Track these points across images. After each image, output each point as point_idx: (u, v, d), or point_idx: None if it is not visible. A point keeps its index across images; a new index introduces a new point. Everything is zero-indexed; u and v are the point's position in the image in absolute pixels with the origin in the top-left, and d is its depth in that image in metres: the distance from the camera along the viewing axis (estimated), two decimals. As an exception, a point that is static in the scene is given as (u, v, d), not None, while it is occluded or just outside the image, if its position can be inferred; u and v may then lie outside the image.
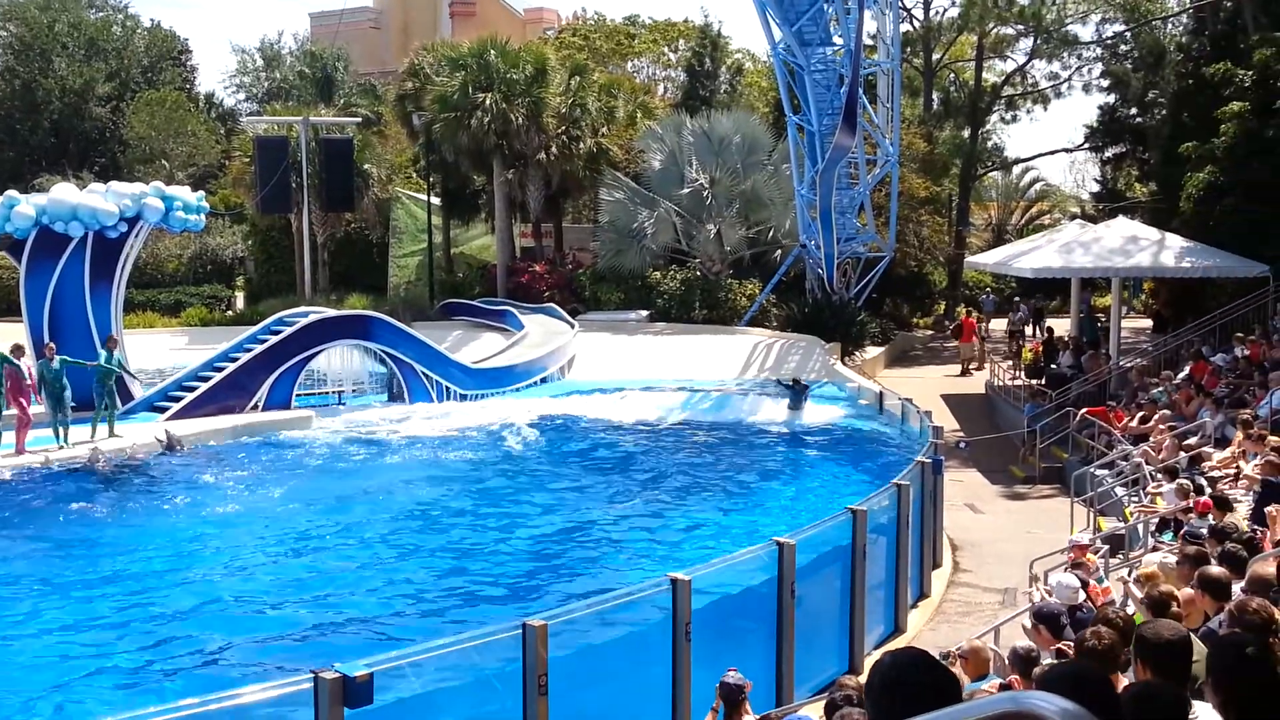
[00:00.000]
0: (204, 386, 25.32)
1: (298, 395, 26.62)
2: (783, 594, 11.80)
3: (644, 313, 39.30)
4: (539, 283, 41.24)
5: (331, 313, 28.72)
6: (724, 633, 12.08)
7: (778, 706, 11.07)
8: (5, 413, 21.28)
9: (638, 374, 31.69)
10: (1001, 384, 30.74)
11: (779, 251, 40.83)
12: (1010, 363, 32.50)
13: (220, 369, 25.89)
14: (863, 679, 5.76)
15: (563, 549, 16.82)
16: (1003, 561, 17.03)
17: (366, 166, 44.67)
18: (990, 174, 59.27)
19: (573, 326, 35.60)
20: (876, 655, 13.60)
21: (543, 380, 31.34)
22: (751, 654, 12.11)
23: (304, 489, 20.21)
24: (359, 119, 46.90)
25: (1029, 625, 9.37)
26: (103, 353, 22.81)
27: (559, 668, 9.32)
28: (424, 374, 28.00)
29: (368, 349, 27.87)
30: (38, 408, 21.90)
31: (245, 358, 25.97)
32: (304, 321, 26.88)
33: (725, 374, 32.36)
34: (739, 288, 39.55)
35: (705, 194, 39.93)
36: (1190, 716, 4.12)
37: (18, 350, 21.88)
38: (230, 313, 45.57)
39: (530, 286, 41.10)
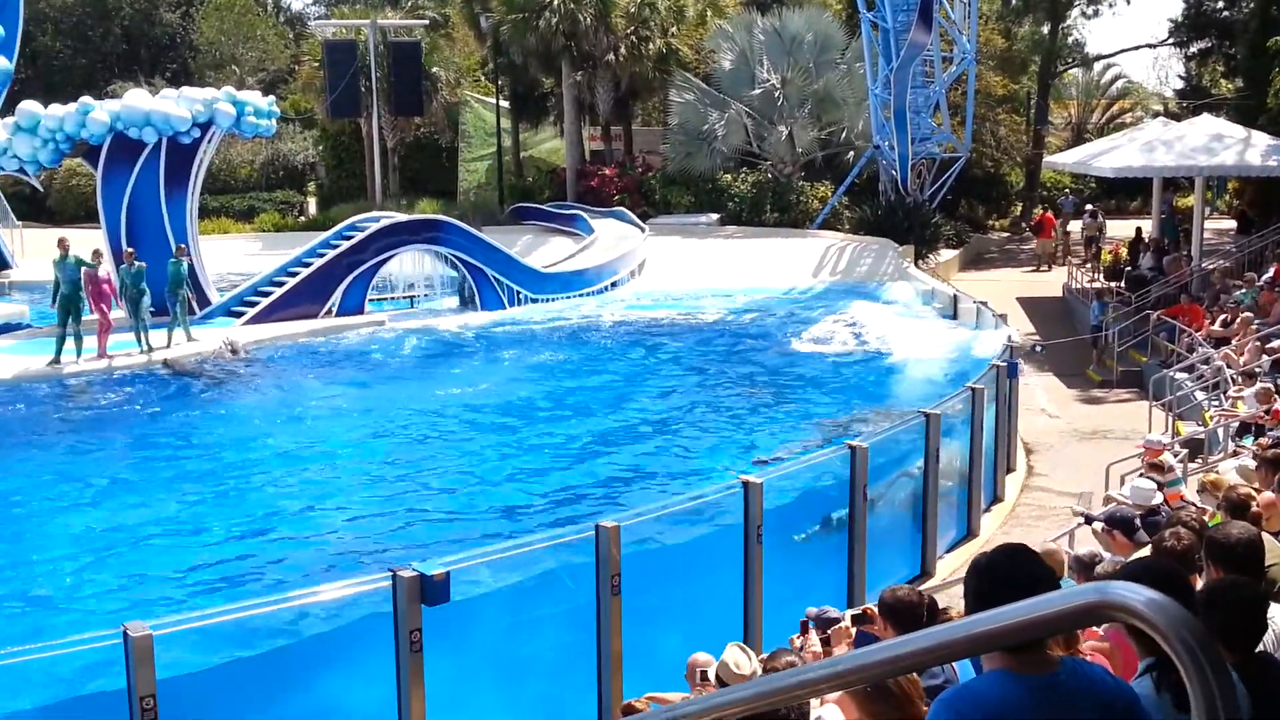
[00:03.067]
0: (278, 292, 25.61)
1: (370, 300, 26.82)
2: (855, 498, 11.78)
3: (714, 216, 38.99)
4: (608, 186, 41.01)
5: (402, 217, 28.78)
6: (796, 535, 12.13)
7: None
8: (86, 317, 21.69)
9: (708, 278, 31.54)
10: (1079, 286, 30.21)
11: (852, 153, 40.20)
12: (1089, 265, 31.92)
13: (294, 274, 26.13)
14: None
15: (637, 449, 16.88)
16: (1078, 466, 16.86)
17: (435, 70, 44.45)
18: (1070, 71, 57.67)
19: (642, 230, 35.42)
20: (949, 559, 13.59)
21: (613, 285, 31.29)
22: (823, 557, 12.15)
23: (377, 392, 20.45)
24: (426, 21, 46.56)
25: (1100, 529, 9.24)
26: (173, 261, 23.06)
27: (632, 566, 9.40)
28: (494, 278, 28.06)
29: (439, 253, 27.95)
30: (118, 312, 22.29)
31: (318, 263, 26.17)
32: (375, 226, 26.99)
33: (797, 279, 32.08)
34: (811, 190, 39.07)
35: (777, 94, 39.27)
36: (1268, 616, 4.05)
37: (97, 256, 22.23)
38: (302, 218, 45.84)
39: (599, 190, 40.89)
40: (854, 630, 6.94)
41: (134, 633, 6.94)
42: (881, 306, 28.01)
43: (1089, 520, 10.10)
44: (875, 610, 6.21)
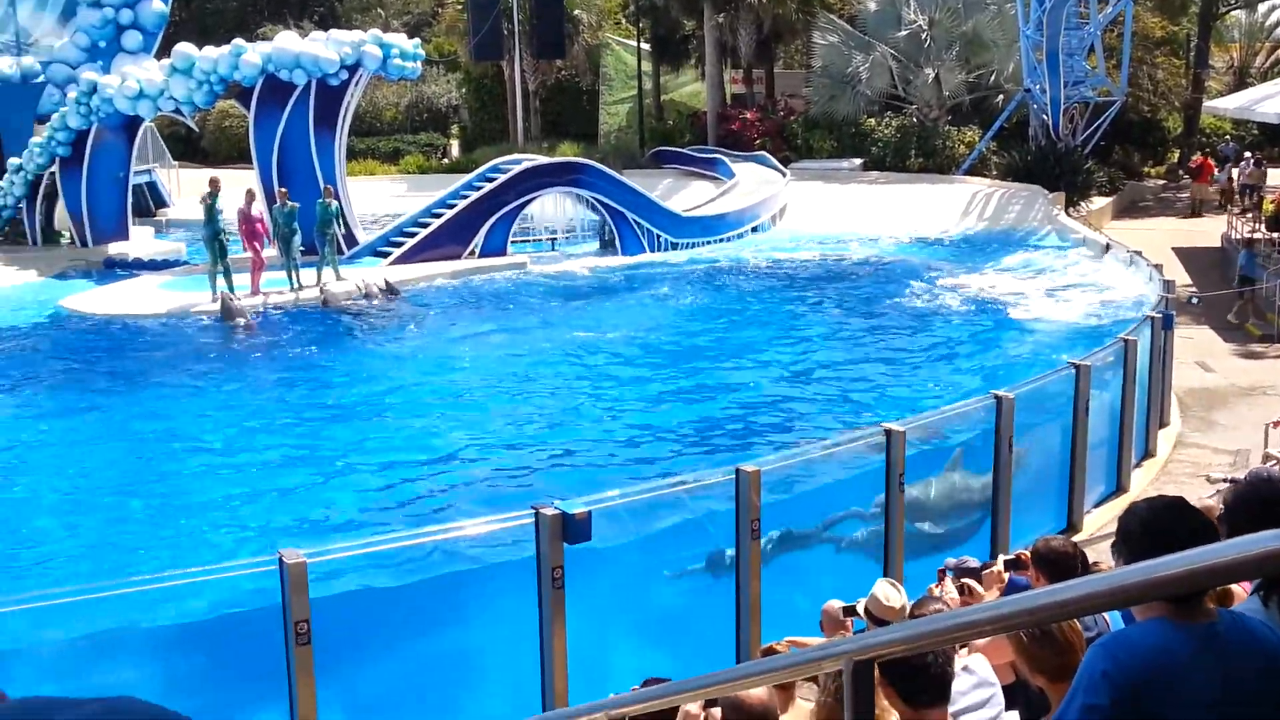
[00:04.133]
0: (423, 233, 26.01)
1: (512, 241, 27.07)
2: (999, 449, 11.53)
3: (857, 161, 38.34)
4: (750, 130, 40.60)
5: (544, 160, 28.91)
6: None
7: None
8: (238, 254, 22.36)
9: (850, 224, 31.09)
10: (1239, 236, 29.02)
11: (1001, 97, 39.04)
12: (1250, 214, 30.62)
13: (438, 216, 26.51)
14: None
15: (783, 394, 16.78)
16: (1235, 423, 16.26)
17: (576, 12, 44.37)
18: (1233, 12, 55.10)
19: (784, 175, 35.03)
20: (1096, 514, 13.25)
21: (753, 230, 31.05)
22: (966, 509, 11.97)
23: (518, 333, 20.66)
24: (570, -36, 46.48)
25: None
26: (321, 201, 23.52)
27: (773, 512, 9.37)
28: (635, 221, 28.06)
29: (579, 196, 28.04)
30: (270, 251, 22.89)
31: (462, 205, 26.49)
32: (517, 169, 27.17)
33: (942, 226, 31.45)
34: (957, 135, 38.14)
35: (924, 36, 38.30)
36: None
37: (250, 195, 22.82)
38: (445, 160, 46.38)
39: (741, 134, 40.51)
40: (1006, 575, 6.81)
41: (289, 560, 7.15)
42: (1030, 254, 27.31)
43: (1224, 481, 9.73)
44: (1028, 556, 6.07)
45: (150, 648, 8.76)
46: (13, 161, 27.33)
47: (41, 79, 30.46)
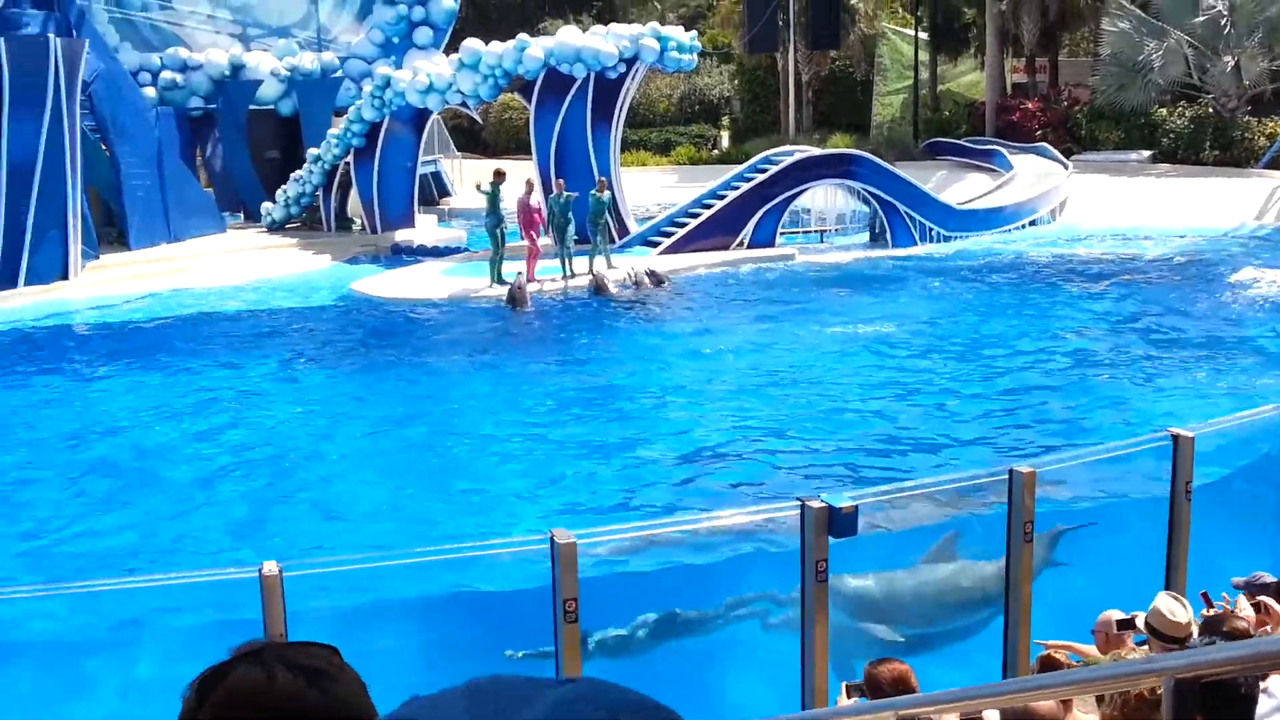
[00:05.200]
0: (692, 223, 26.26)
1: (781, 233, 27.00)
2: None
3: (1145, 153, 36.52)
4: (1030, 121, 39.23)
5: (815, 151, 28.70)
6: (1229, 499, 11.25)
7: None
8: (513, 243, 23.15)
9: (1136, 219, 29.65)
10: None
11: (1308, 85, 36.50)
12: None
13: (708, 207, 26.70)
14: None
15: (1058, 392, 16.14)
16: None
17: (853, 2, 43.87)
18: None
19: (1066, 168, 33.69)
20: None
21: (1031, 223, 30.01)
22: (1260, 526, 11.22)
23: (785, 323, 20.59)
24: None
25: None
26: (594, 193, 24.03)
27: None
28: (906, 214, 27.55)
29: (850, 188, 27.72)
30: (545, 240, 23.57)
31: (732, 196, 26.60)
32: (788, 161, 27.07)
33: (1238, 221, 29.60)
34: (1257, 126, 35.79)
35: (1223, 22, 36.06)
36: None
37: (529, 186, 23.54)
38: (716, 151, 46.70)
39: (1020, 125, 39.19)
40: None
41: (560, 539, 7.33)
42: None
43: None
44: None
45: (411, 617, 9.19)
46: (312, 152, 29.05)
47: (339, 73, 32.33)
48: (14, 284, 22.75)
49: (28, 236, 22.85)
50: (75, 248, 23.74)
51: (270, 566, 6.67)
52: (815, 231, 28.81)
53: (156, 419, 15.43)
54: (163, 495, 12.55)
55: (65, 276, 23.61)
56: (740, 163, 29.63)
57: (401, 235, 28.61)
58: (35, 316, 21.84)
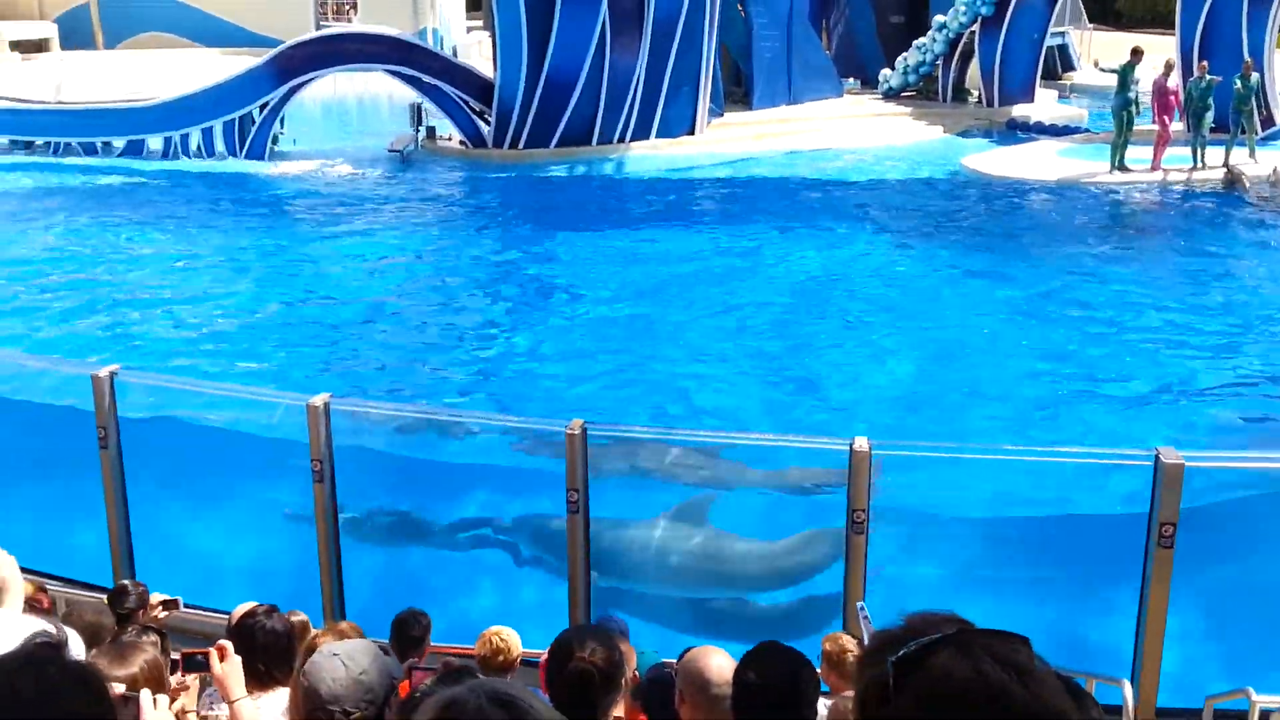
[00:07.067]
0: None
1: None
2: None
3: None
4: None
5: None
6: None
7: None
8: (1141, 125, 21.59)
9: None
10: None
11: None
12: None
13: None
14: None
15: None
16: None
17: None
18: None
19: None
20: None
21: None
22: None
23: None
24: None
25: None
26: (1238, 78, 21.71)
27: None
28: None
29: None
30: (1178, 125, 21.80)
31: None
32: None
33: None
34: None
35: None
36: None
37: (1168, 66, 21.75)
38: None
39: None
40: None
41: (1166, 459, 6.90)
42: None
43: None
44: None
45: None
46: (938, 19, 28.54)
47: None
48: (646, 135, 24.41)
49: (664, 90, 24.33)
50: (704, 105, 25.02)
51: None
52: None
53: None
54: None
55: (692, 132, 25.00)
56: None
57: (1019, 110, 27.62)
58: (663, 168, 23.29)
